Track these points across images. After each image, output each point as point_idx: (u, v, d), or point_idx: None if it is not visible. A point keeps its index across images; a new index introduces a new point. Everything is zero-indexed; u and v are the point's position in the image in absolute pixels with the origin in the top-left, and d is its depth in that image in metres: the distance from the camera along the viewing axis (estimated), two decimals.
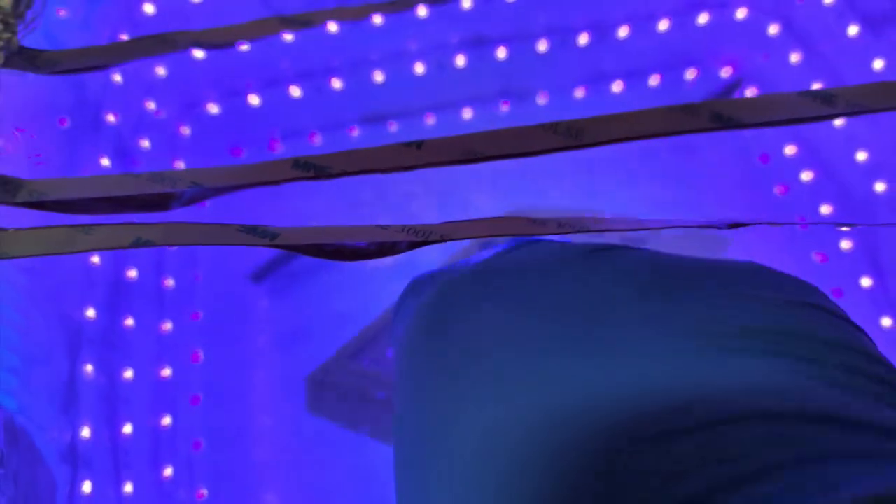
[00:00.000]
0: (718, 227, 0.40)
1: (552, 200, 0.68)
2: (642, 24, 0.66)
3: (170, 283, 0.55)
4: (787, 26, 0.66)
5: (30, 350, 0.37)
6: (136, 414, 0.47)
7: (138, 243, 0.35)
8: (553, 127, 0.41)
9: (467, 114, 0.71)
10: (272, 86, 0.63)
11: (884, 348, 0.23)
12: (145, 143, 0.53)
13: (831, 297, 0.25)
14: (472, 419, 0.21)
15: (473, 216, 0.43)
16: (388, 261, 0.71)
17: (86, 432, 0.41)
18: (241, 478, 0.57)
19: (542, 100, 0.70)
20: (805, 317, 0.22)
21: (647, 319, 0.22)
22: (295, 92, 0.64)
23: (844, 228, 0.64)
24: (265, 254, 0.67)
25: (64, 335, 0.42)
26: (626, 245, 0.27)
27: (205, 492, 0.53)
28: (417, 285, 0.32)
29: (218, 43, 0.43)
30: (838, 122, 0.62)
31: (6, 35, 0.40)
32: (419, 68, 0.65)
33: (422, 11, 0.57)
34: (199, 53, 0.51)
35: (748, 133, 0.72)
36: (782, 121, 0.41)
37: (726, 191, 0.72)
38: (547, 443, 0.19)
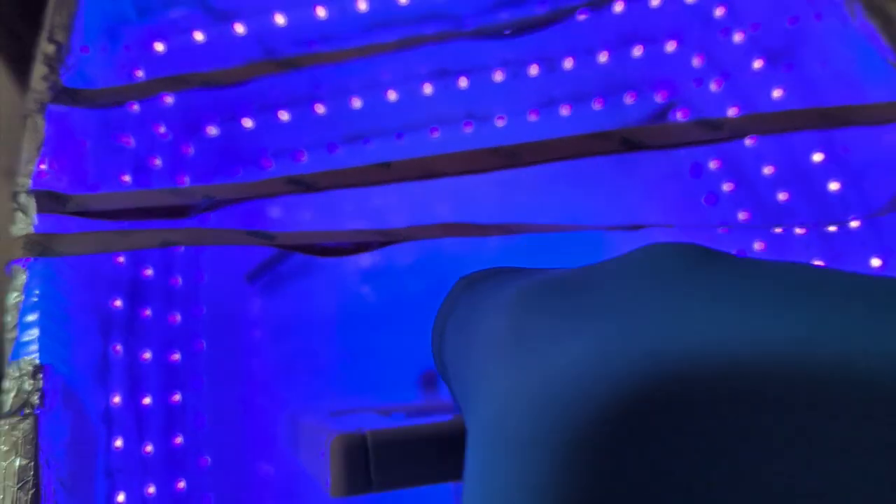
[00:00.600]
0: (624, 229, 0.50)
1: (500, 211, 0.78)
2: (585, 57, 0.76)
3: (178, 281, 0.64)
4: (709, 59, 0.77)
5: (74, 330, 0.46)
6: (154, 389, 0.56)
7: (165, 244, 0.45)
8: (495, 151, 0.51)
9: (435, 134, 0.80)
10: (264, 111, 0.72)
11: None
12: (157, 162, 0.62)
13: None
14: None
15: (433, 223, 0.53)
16: (363, 262, 0.82)
17: (117, 399, 0.50)
18: (239, 448, 0.66)
19: (500, 122, 0.80)
20: None
21: None
22: (284, 116, 0.73)
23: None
24: (258, 258, 0.77)
25: (98, 320, 0.50)
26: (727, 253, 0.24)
27: (208, 459, 0.62)
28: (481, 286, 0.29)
29: (222, 82, 0.53)
30: (748, 141, 0.72)
31: (52, 77, 0.49)
32: (392, 95, 0.75)
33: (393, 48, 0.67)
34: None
35: (682, 151, 0.83)
36: (679, 143, 0.51)
37: (662, 203, 0.83)
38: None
